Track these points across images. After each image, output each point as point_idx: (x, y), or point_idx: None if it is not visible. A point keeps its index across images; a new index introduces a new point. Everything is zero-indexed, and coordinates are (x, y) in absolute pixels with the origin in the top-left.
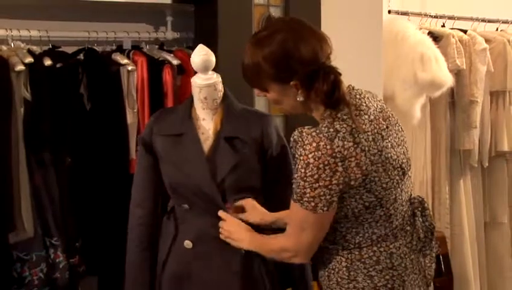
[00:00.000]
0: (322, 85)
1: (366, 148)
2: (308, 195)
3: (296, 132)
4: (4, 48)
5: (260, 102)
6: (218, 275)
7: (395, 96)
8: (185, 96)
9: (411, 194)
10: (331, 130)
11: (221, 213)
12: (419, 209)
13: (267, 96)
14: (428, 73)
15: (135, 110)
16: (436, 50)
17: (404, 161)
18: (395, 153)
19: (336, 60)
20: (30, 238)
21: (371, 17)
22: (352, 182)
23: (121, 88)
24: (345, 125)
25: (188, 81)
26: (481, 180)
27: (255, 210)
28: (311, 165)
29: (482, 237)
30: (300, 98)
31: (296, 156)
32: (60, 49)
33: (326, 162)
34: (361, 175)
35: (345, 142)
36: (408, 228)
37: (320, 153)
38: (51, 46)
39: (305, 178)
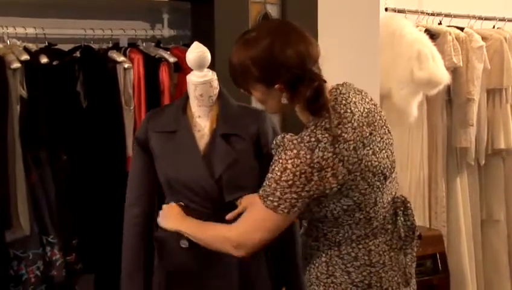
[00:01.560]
0: (305, 91)
1: (345, 158)
2: (275, 196)
3: (279, 137)
4: (0, 45)
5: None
6: (215, 274)
7: (392, 95)
8: (181, 94)
9: (395, 194)
10: (313, 139)
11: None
12: (401, 209)
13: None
14: (425, 71)
15: (132, 108)
16: (433, 48)
17: (387, 165)
18: (376, 159)
19: (333, 59)
20: (27, 236)
21: (367, 15)
22: (327, 191)
23: (117, 86)
24: (326, 135)
25: (185, 78)
26: (478, 178)
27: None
28: (288, 171)
29: (478, 235)
30: (284, 101)
31: (275, 158)
32: (56, 47)
33: (303, 171)
34: (337, 185)
35: (325, 153)
36: (389, 226)
37: (299, 161)
38: (47, 44)
39: (278, 181)
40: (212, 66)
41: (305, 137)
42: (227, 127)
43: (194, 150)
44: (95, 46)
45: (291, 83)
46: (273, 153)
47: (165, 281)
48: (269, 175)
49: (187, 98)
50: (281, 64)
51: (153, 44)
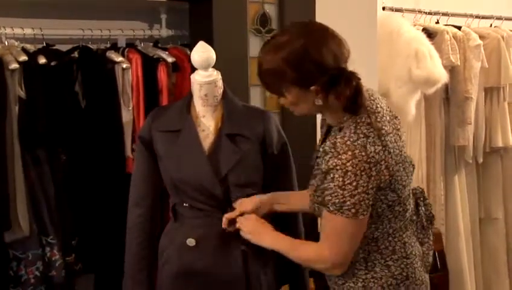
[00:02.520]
0: (344, 90)
1: (392, 150)
2: (348, 203)
3: (328, 143)
4: None
5: (256, 99)
6: (221, 273)
7: (390, 93)
8: (180, 94)
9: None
10: (361, 136)
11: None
12: (421, 199)
13: (280, 100)
14: (423, 70)
15: (130, 108)
16: (431, 46)
17: (410, 156)
18: (406, 150)
19: None
20: (26, 236)
21: (365, 14)
22: (382, 184)
23: (115, 86)
24: (371, 130)
25: (183, 78)
26: (476, 176)
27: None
28: (349, 173)
29: (476, 233)
30: (318, 102)
31: (325, 166)
32: (54, 47)
33: (362, 168)
34: (389, 177)
35: (376, 147)
36: (414, 217)
37: (357, 160)
38: (45, 44)
39: (343, 187)
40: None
41: (352, 136)
42: (233, 127)
43: (199, 149)
44: (93, 46)
45: (328, 83)
46: (319, 161)
47: (170, 282)
48: (330, 185)
49: (191, 97)
50: (318, 65)
51: (151, 44)
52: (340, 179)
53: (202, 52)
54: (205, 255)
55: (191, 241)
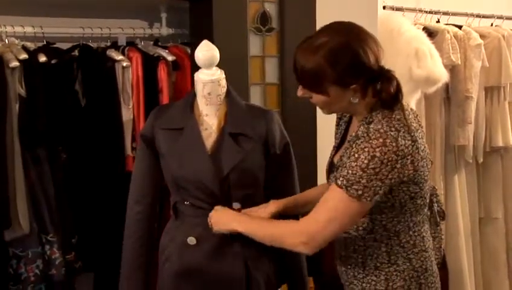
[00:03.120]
0: (387, 88)
1: (419, 146)
2: (360, 184)
3: (362, 128)
4: None
5: (256, 97)
6: (222, 272)
7: None
8: (180, 93)
9: None
10: (393, 129)
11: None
12: (434, 195)
13: (311, 96)
14: (424, 69)
15: (130, 107)
16: (431, 46)
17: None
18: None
19: None
20: (26, 235)
21: (365, 13)
22: (405, 178)
23: (115, 84)
24: (402, 125)
25: (184, 77)
26: (476, 176)
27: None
28: (376, 159)
29: (476, 233)
30: (355, 101)
31: (356, 148)
32: (54, 46)
33: (390, 158)
34: (413, 171)
35: (406, 141)
36: (429, 213)
37: (387, 149)
38: (45, 43)
39: (365, 169)
40: None
41: (385, 127)
42: (236, 126)
43: (201, 147)
44: (94, 44)
45: (370, 81)
46: (350, 144)
47: (171, 280)
48: (353, 164)
49: (194, 96)
50: (362, 64)
51: (152, 43)
52: (366, 161)
53: (206, 51)
54: (206, 253)
55: (191, 240)
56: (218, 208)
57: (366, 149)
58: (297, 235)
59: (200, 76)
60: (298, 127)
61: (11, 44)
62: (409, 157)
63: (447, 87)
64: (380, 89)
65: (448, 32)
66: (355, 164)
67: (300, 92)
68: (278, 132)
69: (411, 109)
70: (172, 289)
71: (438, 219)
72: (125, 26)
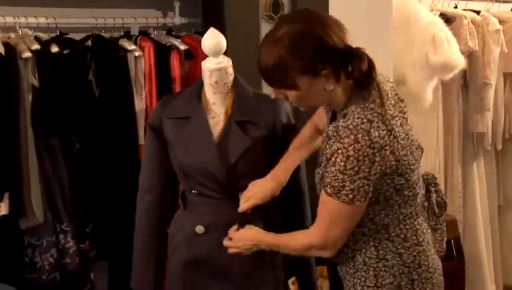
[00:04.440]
0: (359, 66)
1: (397, 134)
2: (347, 188)
3: (331, 127)
4: (12, 35)
5: (267, 85)
6: (230, 260)
7: (406, 80)
8: (193, 82)
9: None
10: (365, 120)
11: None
12: (432, 185)
13: (287, 96)
14: (440, 55)
15: (143, 96)
16: (448, 32)
17: (418, 139)
18: (413, 133)
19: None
20: (40, 224)
21: None
22: (388, 170)
23: (128, 74)
24: (375, 114)
25: (196, 66)
26: (495, 163)
27: (259, 189)
28: (351, 158)
29: (495, 221)
30: (330, 87)
31: (329, 151)
32: (67, 36)
33: (365, 154)
34: (395, 162)
35: (380, 132)
36: (425, 204)
37: (359, 145)
38: (58, 33)
39: (344, 171)
40: (223, 54)
41: (356, 120)
42: (243, 114)
43: (208, 136)
44: (107, 35)
45: (341, 63)
46: (323, 145)
47: (179, 269)
48: (332, 169)
49: (201, 84)
50: (326, 46)
51: (165, 32)
52: (342, 164)
53: (212, 39)
54: (214, 242)
55: (200, 229)
56: (233, 237)
57: (339, 151)
58: (310, 248)
59: (207, 64)
60: (310, 114)
61: (24, 35)
62: (387, 148)
63: (464, 74)
64: (352, 69)
65: (465, 17)
66: (334, 168)
67: (273, 93)
68: (285, 119)
69: (391, 87)
70: (181, 278)
71: (437, 210)
72: (138, 15)
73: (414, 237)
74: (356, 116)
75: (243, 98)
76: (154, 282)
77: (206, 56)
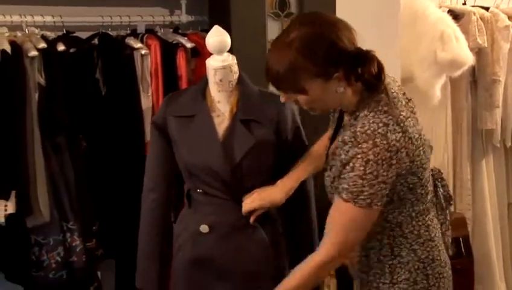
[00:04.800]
0: (369, 69)
1: (411, 135)
2: (366, 193)
3: (348, 133)
4: (19, 33)
5: None
6: (235, 259)
7: (415, 77)
8: (199, 79)
9: None
10: (381, 124)
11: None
12: (439, 180)
13: (297, 101)
14: (449, 52)
15: (149, 94)
16: (456, 28)
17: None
18: (424, 132)
19: None
20: (47, 222)
21: None
22: (403, 171)
23: (134, 72)
24: (390, 117)
25: (203, 64)
26: (504, 161)
27: (267, 193)
28: (371, 162)
29: (504, 218)
30: (341, 90)
31: (346, 157)
32: (74, 35)
33: (383, 157)
34: (409, 163)
35: (396, 134)
36: (434, 199)
37: (378, 149)
38: (65, 32)
39: (363, 176)
40: (229, 52)
41: (372, 125)
42: (247, 113)
43: (212, 135)
44: (113, 33)
45: (352, 66)
46: (339, 151)
47: (184, 267)
48: (350, 174)
49: (206, 82)
50: (337, 49)
51: (171, 30)
52: (361, 169)
53: (216, 36)
54: (219, 241)
55: (204, 228)
56: None
57: (358, 156)
58: (328, 264)
59: (211, 62)
60: (317, 118)
61: (30, 33)
62: (403, 150)
63: (473, 71)
64: (362, 72)
65: (474, 14)
66: (353, 174)
67: (283, 97)
68: (289, 118)
69: (399, 87)
70: (186, 277)
71: (444, 204)
72: (145, 14)
73: (427, 233)
74: (371, 120)
75: (248, 96)
76: (158, 281)
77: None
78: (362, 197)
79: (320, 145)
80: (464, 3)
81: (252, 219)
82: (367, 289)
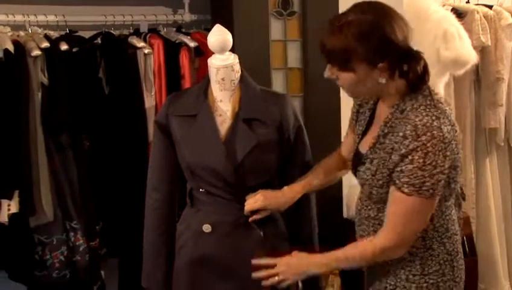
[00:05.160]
0: (415, 68)
1: (456, 128)
2: (427, 183)
3: (409, 126)
4: (22, 33)
5: (278, 82)
6: (236, 259)
7: None
8: (203, 79)
9: None
10: (433, 117)
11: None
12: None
13: (338, 79)
14: (452, 51)
15: (152, 94)
16: (460, 27)
17: None
18: None
19: None
20: (50, 222)
21: None
22: (454, 163)
23: (137, 71)
24: (439, 111)
25: (206, 63)
26: (508, 159)
27: (271, 195)
28: (429, 154)
29: (509, 217)
30: (382, 81)
31: (406, 150)
32: (77, 34)
33: (440, 148)
34: (457, 154)
35: (447, 126)
36: (454, 194)
37: (436, 140)
38: (68, 31)
39: (423, 167)
40: (232, 51)
41: (427, 118)
42: (249, 112)
43: (215, 134)
44: (116, 32)
45: (397, 60)
46: (397, 146)
47: (186, 266)
48: (409, 167)
49: (208, 82)
50: (389, 41)
51: (174, 29)
52: (421, 161)
53: (218, 35)
54: (221, 241)
55: (207, 227)
56: (281, 263)
57: (418, 149)
58: (387, 252)
59: (213, 61)
60: (321, 112)
61: (33, 33)
62: (453, 142)
63: (476, 69)
64: (408, 70)
65: (477, 12)
66: (412, 166)
67: (328, 72)
68: (291, 116)
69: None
70: (188, 275)
71: (460, 200)
72: (148, 13)
73: (453, 227)
74: (424, 113)
75: (250, 95)
76: (164, 280)
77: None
78: (425, 188)
79: (332, 159)
80: (468, 2)
81: (251, 219)
82: (389, 281)
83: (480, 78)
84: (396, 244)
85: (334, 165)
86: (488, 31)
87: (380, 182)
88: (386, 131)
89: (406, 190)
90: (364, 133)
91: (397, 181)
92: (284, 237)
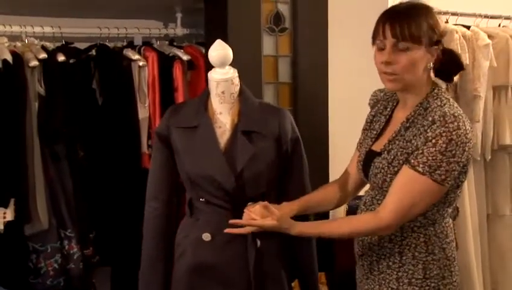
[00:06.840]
0: (455, 58)
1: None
2: (442, 168)
3: (438, 112)
4: (19, 44)
5: (268, 96)
6: (236, 268)
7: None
8: (195, 92)
9: None
10: (459, 111)
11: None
12: None
13: (393, 64)
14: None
15: (146, 105)
16: None
17: None
18: None
19: (344, 57)
20: (45, 230)
21: (377, 13)
22: (467, 165)
23: (132, 83)
24: (460, 111)
25: (198, 76)
26: (484, 173)
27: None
28: (453, 142)
29: (484, 230)
30: (430, 65)
31: (432, 134)
32: (72, 45)
33: (462, 141)
34: (470, 158)
35: (468, 123)
36: (454, 203)
37: (460, 131)
38: (63, 43)
39: (444, 152)
40: None
41: (455, 109)
42: (249, 124)
43: (215, 145)
44: (110, 44)
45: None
46: (426, 130)
47: (185, 275)
48: (431, 149)
49: (208, 94)
50: (439, 30)
51: (167, 42)
52: (444, 145)
53: (220, 50)
54: (220, 250)
55: (206, 236)
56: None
57: (443, 134)
58: (383, 229)
59: (214, 75)
60: (310, 125)
61: (30, 44)
62: (471, 141)
63: (455, 87)
64: (445, 60)
65: (456, 32)
66: (434, 149)
67: (389, 55)
68: (289, 129)
69: None
70: (187, 284)
71: (456, 213)
72: (141, 26)
73: (451, 234)
74: (454, 106)
75: (249, 108)
76: (163, 289)
77: (208, 66)
78: (439, 172)
79: (332, 184)
80: (447, 22)
81: (246, 231)
82: (391, 286)
83: (458, 96)
84: (396, 223)
85: (335, 189)
86: (467, 50)
87: (396, 169)
88: (407, 125)
89: (420, 169)
90: (379, 135)
91: (412, 160)
92: (281, 247)
